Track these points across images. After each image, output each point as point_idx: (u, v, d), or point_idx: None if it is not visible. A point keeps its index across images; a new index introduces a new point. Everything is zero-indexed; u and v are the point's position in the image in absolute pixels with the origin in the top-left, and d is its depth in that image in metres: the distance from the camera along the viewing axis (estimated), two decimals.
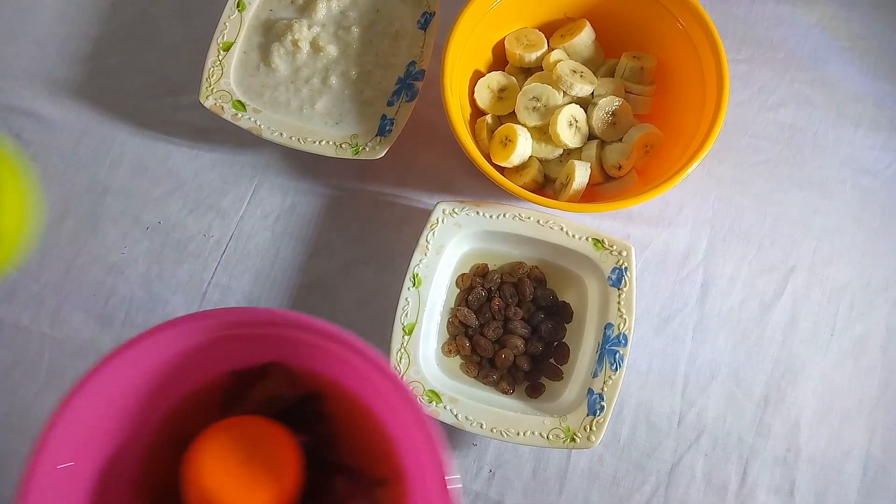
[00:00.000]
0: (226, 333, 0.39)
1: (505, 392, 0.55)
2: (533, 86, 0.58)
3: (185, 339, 0.38)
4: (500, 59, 0.62)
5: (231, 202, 0.62)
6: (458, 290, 0.58)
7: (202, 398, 0.42)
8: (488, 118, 0.60)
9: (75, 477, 0.37)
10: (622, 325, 0.53)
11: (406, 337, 0.54)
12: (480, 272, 0.58)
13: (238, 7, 0.61)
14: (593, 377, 0.53)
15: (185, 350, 0.39)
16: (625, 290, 0.54)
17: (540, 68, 0.60)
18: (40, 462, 0.34)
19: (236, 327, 0.39)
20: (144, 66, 0.66)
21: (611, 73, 0.61)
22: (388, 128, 0.58)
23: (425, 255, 0.55)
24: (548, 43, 0.60)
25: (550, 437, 0.51)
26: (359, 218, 0.61)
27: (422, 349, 0.54)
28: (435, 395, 0.52)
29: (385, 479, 0.41)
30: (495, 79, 0.60)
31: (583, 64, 0.60)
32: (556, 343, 0.57)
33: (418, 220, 0.57)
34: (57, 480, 0.35)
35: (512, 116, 0.59)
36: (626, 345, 0.53)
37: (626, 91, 0.59)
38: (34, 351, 0.58)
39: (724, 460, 0.56)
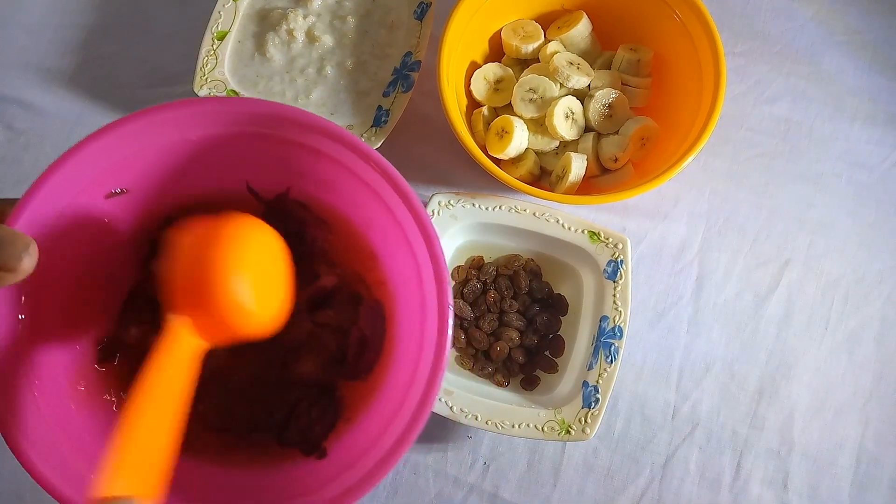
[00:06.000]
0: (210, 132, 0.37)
1: (500, 384, 0.55)
2: (529, 77, 0.57)
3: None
4: (496, 51, 0.62)
5: None
6: (454, 283, 0.58)
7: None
8: (485, 110, 0.59)
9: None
10: (617, 317, 0.53)
11: None
12: (476, 264, 0.58)
13: None
14: (588, 370, 0.53)
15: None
16: (620, 282, 0.54)
17: (536, 60, 0.60)
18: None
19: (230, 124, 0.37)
20: (138, 55, 0.65)
21: (607, 66, 0.61)
22: (383, 119, 0.58)
23: None
24: (544, 34, 0.60)
25: (545, 429, 0.51)
26: None
27: None
28: None
29: (368, 281, 0.42)
30: (492, 70, 0.59)
31: (579, 56, 0.59)
32: (551, 335, 0.57)
33: None
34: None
35: (508, 108, 0.59)
36: (621, 337, 0.53)
37: (622, 83, 0.59)
38: None
39: (718, 453, 0.56)
